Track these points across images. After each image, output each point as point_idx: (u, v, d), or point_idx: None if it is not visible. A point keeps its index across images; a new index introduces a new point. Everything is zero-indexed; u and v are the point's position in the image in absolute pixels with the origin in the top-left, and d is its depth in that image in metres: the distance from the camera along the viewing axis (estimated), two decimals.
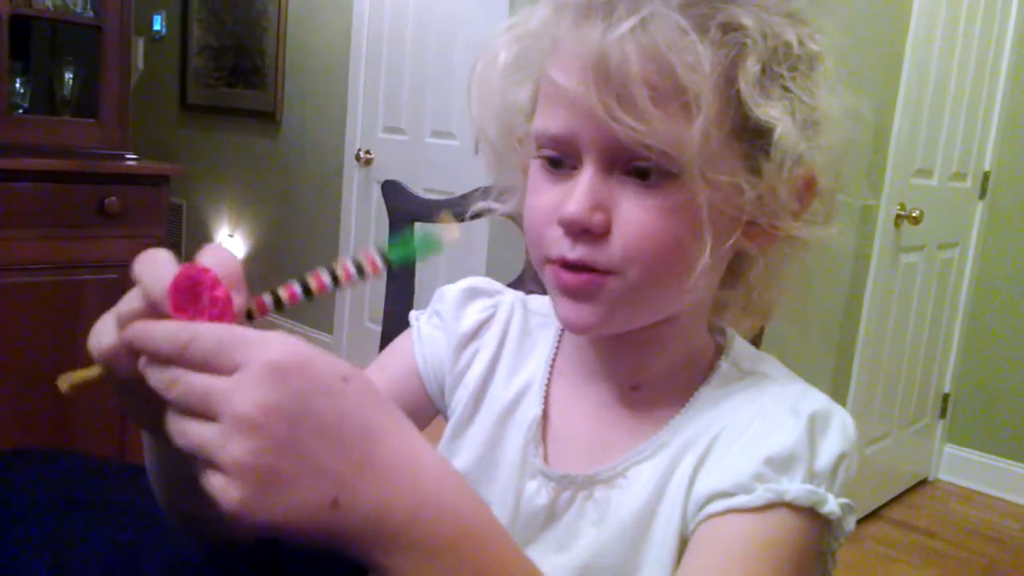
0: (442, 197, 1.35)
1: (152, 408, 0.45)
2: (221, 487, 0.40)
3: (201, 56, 4.44)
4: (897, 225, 2.58)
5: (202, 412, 0.41)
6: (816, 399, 0.60)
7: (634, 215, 0.55)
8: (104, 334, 0.45)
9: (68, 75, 2.36)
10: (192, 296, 0.44)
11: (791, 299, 0.66)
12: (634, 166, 0.55)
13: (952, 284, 3.07)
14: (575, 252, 0.56)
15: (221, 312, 0.44)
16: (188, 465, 0.50)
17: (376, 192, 3.63)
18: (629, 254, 0.55)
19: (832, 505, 0.55)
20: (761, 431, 0.58)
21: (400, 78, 3.49)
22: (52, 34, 2.42)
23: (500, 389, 0.71)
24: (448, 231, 0.49)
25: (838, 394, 2.45)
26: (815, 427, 0.58)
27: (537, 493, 0.65)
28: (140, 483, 0.86)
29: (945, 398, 3.21)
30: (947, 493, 3.13)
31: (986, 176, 3.06)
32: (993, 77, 2.95)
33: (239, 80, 4.23)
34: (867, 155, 2.50)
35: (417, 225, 1.26)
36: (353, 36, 3.65)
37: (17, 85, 2.24)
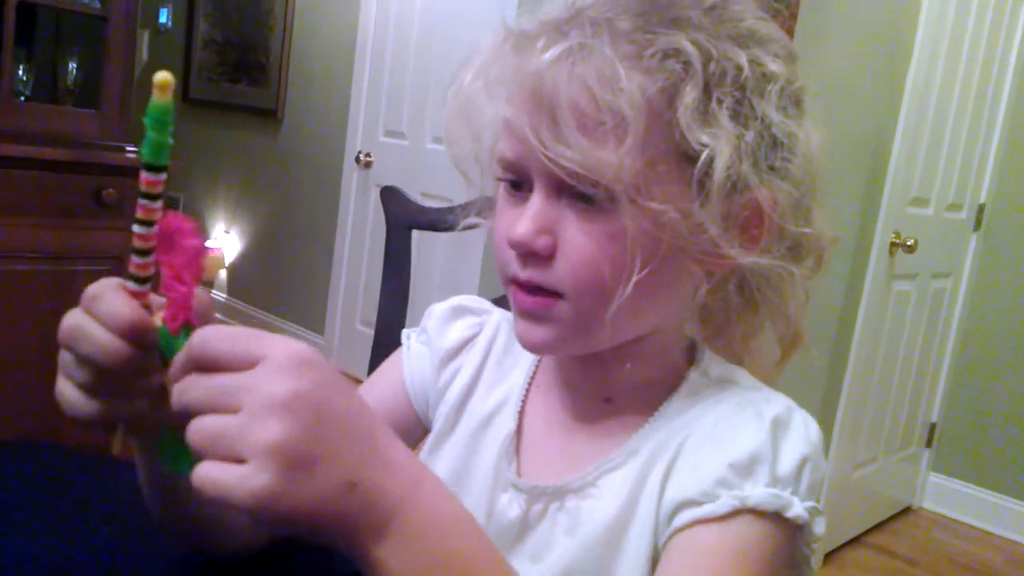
0: (440, 204, 1.36)
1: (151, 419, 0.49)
2: (244, 476, 0.41)
3: (206, 51, 4.43)
4: (891, 253, 2.58)
5: (223, 406, 0.42)
6: (778, 403, 0.60)
7: (577, 240, 0.56)
8: (99, 338, 0.47)
9: (71, 64, 2.36)
10: (171, 242, 0.47)
11: (783, 325, 0.65)
12: (576, 192, 0.56)
13: (944, 314, 3.08)
14: (525, 273, 0.58)
15: (189, 261, 0.47)
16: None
17: (375, 195, 3.63)
18: (573, 279, 0.56)
19: (798, 509, 0.55)
20: (724, 436, 0.58)
21: (403, 82, 3.50)
22: (57, 23, 2.42)
23: (479, 403, 0.72)
24: (156, 83, 0.46)
25: (826, 418, 2.45)
26: (777, 430, 0.58)
27: (509, 505, 0.66)
28: (127, 476, 0.86)
29: (932, 427, 3.21)
30: (931, 522, 3.13)
31: (981, 208, 3.07)
32: (993, 110, 2.97)
33: (242, 76, 4.23)
34: (863, 181, 2.52)
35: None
36: (358, 38, 3.66)
37: (20, 72, 2.24)
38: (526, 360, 0.72)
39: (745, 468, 0.56)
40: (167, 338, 0.48)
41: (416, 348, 0.77)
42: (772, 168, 0.57)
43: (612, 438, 0.64)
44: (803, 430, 0.59)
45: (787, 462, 0.56)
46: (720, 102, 0.54)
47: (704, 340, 0.67)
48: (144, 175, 0.47)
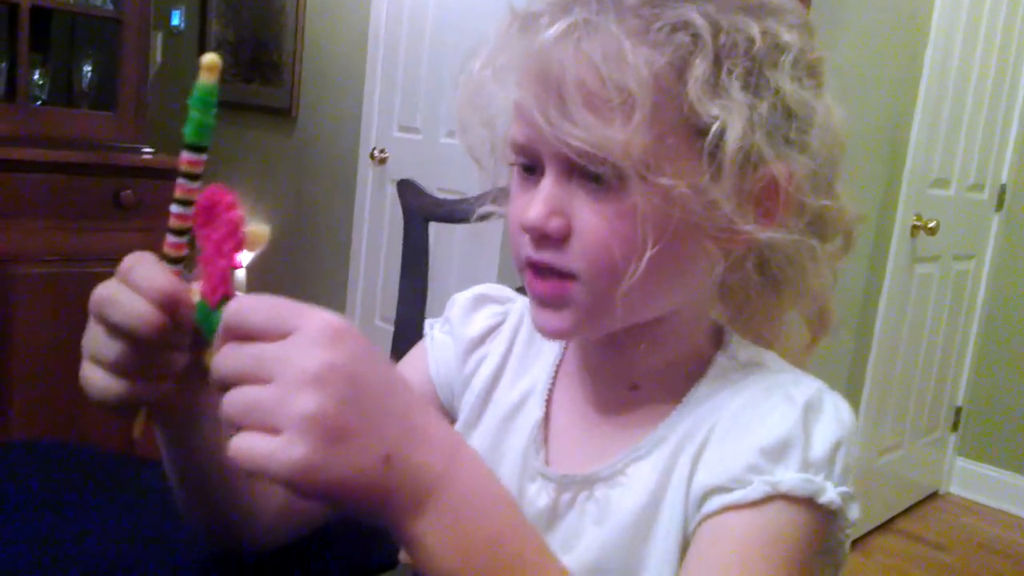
0: (454, 197, 1.35)
1: (185, 397, 0.51)
2: (279, 447, 0.40)
3: (219, 51, 4.40)
4: (913, 235, 2.56)
5: (256, 377, 0.42)
6: (809, 385, 0.59)
7: (589, 220, 0.55)
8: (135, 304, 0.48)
9: (86, 67, 2.37)
10: (211, 215, 0.47)
11: (808, 305, 0.64)
12: (587, 172, 0.55)
13: (967, 296, 3.05)
14: (538, 255, 0.57)
15: (229, 233, 0.47)
16: (212, 458, 0.51)
17: (390, 191, 3.63)
18: (587, 260, 0.56)
19: (831, 494, 0.54)
20: (754, 421, 0.57)
21: (417, 77, 3.49)
22: (72, 26, 2.43)
23: (505, 393, 0.71)
24: (203, 64, 0.47)
25: (850, 403, 2.42)
26: (808, 414, 0.56)
27: (538, 495, 0.65)
28: (145, 475, 0.86)
29: (958, 411, 3.18)
30: (958, 507, 3.10)
31: (1003, 188, 3.03)
32: (1013, 88, 2.93)
33: (256, 76, 4.23)
34: (883, 163, 2.49)
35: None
36: (371, 33, 3.65)
37: (36, 76, 2.25)
38: (551, 348, 0.71)
39: (776, 453, 0.54)
40: (206, 313, 0.48)
41: (440, 338, 0.76)
42: (788, 140, 0.55)
43: (640, 426, 0.63)
44: (835, 413, 0.57)
45: (820, 446, 0.55)
46: (731, 74, 0.53)
47: (727, 322, 0.66)
48: (185, 155, 0.48)
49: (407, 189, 1.30)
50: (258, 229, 0.48)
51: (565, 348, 0.70)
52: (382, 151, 3.63)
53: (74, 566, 0.69)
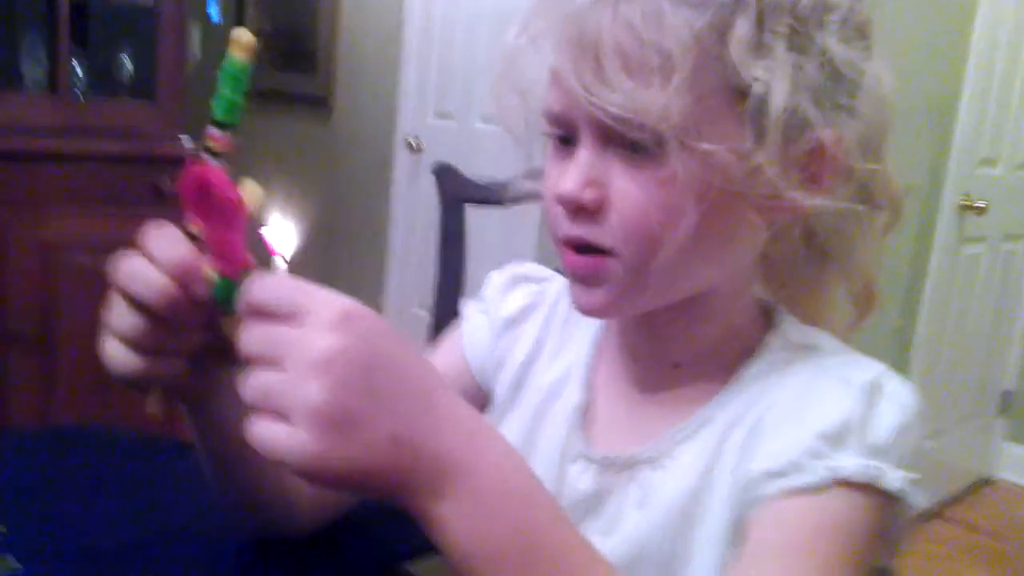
0: (488, 182, 1.34)
1: (202, 375, 0.52)
2: (289, 436, 0.40)
3: (256, 44, 4.47)
4: (960, 216, 2.50)
5: (271, 360, 0.42)
6: (870, 367, 0.57)
7: (626, 190, 0.53)
8: (152, 280, 0.48)
9: (125, 59, 2.39)
10: (204, 198, 0.47)
11: (856, 280, 0.62)
12: (624, 140, 0.53)
13: (1016, 277, 2.97)
14: (574, 230, 0.55)
15: (233, 211, 0.47)
16: (235, 435, 0.51)
17: (425, 179, 3.62)
18: (625, 232, 0.54)
19: (893, 480, 0.52)
20: (812, 404, 0.55)
21: (451, 63, 3.48)
22: (110, 18, 2.45)
23: (542, 374, 0.69)
24: (239, 41, 0.46)
25: None
26: (870, 397, 0.54)
27: (580, 477, 0.63)
28: (185, 461, 0.86)
29: (1006, 395, 3.11)
30: (1010, 493, 3.03)
31: None
32: None
33: (292, 65, 4.25)
34: (929, 141, 2.43)
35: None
36: (405, 19, 3.65)
37: (76, 68, 2.27)
38: (589, 327, 0.69)
39: (835, 437, 0.52)
40: (227, 286, 0.48)
41: (476, 318, 0.75)
42: (835, 103, 0.53)
43: (684, 406, 0.61)
44: (898, 395, 0.55)
45: (881, 430, 0.53)
46: (775, 34, 0.51)
47: (772, 296, 0.64)
48: (212, 131, 0.47)
49: (444, 173, 1.29)
50: (251, 188, 0.48)
51: (603, 327, 0.69)
52: (417, 139, 3.63)
53: (112, 550, 0.69)
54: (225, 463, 0.63)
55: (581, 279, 0.57)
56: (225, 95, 0.47)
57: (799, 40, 0.51)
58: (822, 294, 0.63)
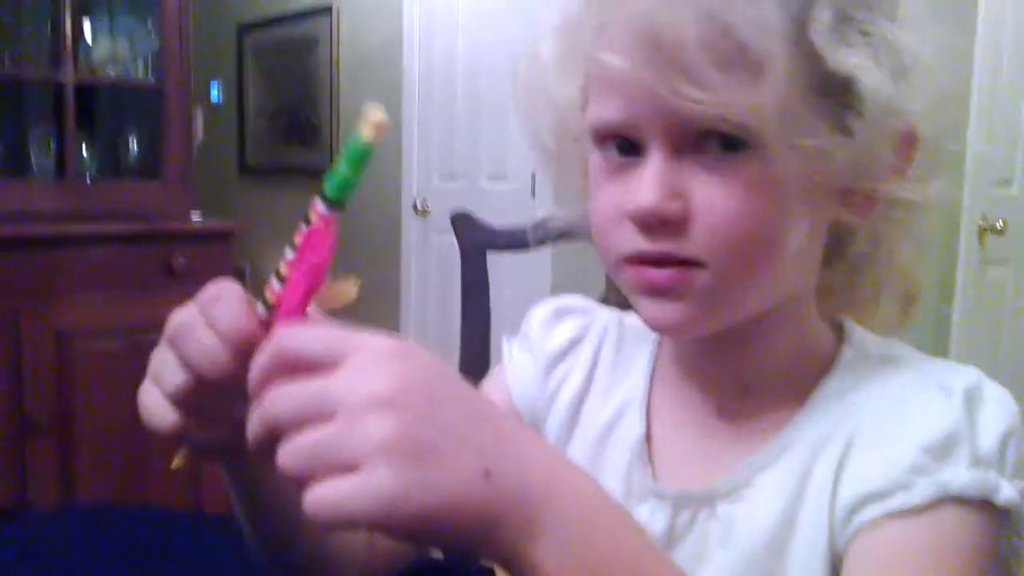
0: (508, 228, 1.31)
1: (231, 438, 0.44)
2: (360, 483, 0.35)
3: (258, 119, 4.53)
4: (981, 238, 2.46)
5: (316, 415, 0.37)
6: (966, 373, 0.52)
7: (715, 199, 0.49)
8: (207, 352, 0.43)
9: (131, 140, 2.40)
10: (300, 259, 0.43)
11: (907, 280, 0.58)
12: (707, 144, 0.49)
13: None
14: (656, 246, 0.50)
15: (309, 278, 0.43)
16: (283, 494, 0.45)
17: (435, 242, 3.62)
18: (716, 242, 0.49)
19: (1008, 492, 0.47)
20: (909, 416, 0.50)
21: (453, 126, 3.50)
22: (115, 101, 2.47)
23: (596, 409, 0.65)
24: (368, 119, 0.42)
25: None
26: (971, 404, 0.50)
27: (652, 516, 0.58)
28: (212, 535, 0.82)
29: None
30: None
31: None
32: None
33: (295, 139, 4.30)
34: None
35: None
36: (404, 86, 3.68)
37: (84, 152, 2.28)
38: (642, 357, 0.65)
39: (942, 450, 0.48)
40: None
41: (519, 356, 0.70)
42: (914, 90, 0.50)
43: (759, 432, 0.56)
44: (1000, 400, 0.50)
45: (988, 438, 0.48)
46: (852, 21, 0.48)
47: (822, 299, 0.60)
48: (319, 207, 0.43)
49: (462, 222, 1.27)
50: (345, 285, 0.44)
51: (657, 355, 0.65)
52: (424, 201, 3.63)
53: None
54: (268, 528, 0.58)
55: (661, 293, 0.52)
56: (341, 172, 0.43)
57: (874, 26, 0.49)
58: (877, 292, 0.60)
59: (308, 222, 0.43)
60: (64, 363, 1.99)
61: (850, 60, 0.47)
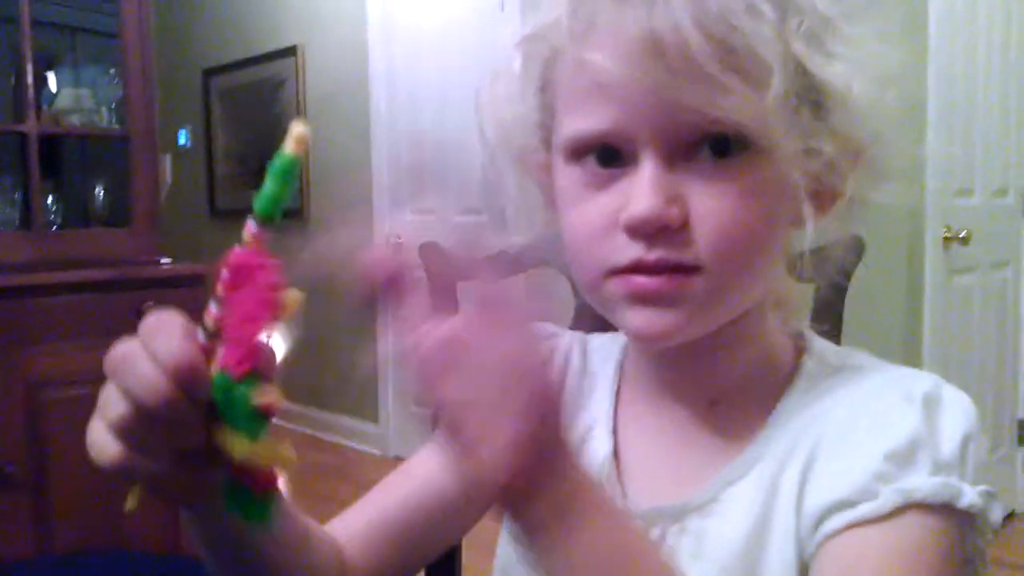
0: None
1: (194, 477, 0.45)
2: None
3: (227, 163, 4.53)
4: (946, 247, 2.50)
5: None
6: (924, 378, 0.53)
7: (712, 203, 0.49)
8: (148, 382, 0.42)
9: (98, 187, 2.39)
10: (243, 278, 0.43)
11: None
12: (699, 150, 0.49)
13: (1010, 303, 2.96)
14: (653, 254, 0.50)
15: (265, 298, 0.43)
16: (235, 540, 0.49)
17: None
18: (716, 246, 0.49)
19: (970, 496, 0.48)
20: (871, 425, 0.51)
21: (423, 158, 3.52)
22: (81, 149, 2.47)
23: None
24: (292, 133, 0.43)
25: None
26: (931, 409, 0.50)
27: None
28: (189, 574, 0.81)
29: (1021, 424, 3.06)
30: None
31: None
32: (1021, 90, 2.90)
33: (262, 182, 4.29)
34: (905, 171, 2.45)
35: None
36: (372, 123, 3.70)
37: (49, 201, 2.27)
38: (606, 377, 0.65)
39: (904, 457, 0.48)
40: (227, 386, 0.42)
41: None
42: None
43: (729, 445, 0.57)
44: (958, 404, 0.51)
45: (948, 443, 0.49)
46: (826, 29, 0.50)
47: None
48: (250, 225, 0.43)
49: (428, 252, 1.26)
50: (291, 295, 0.44)
51: (622, 372, 0.65)
52: (398, 237, 3.64)
53: None
54: (233, 567, 0.57)
55: (653, 301, 0.51)
56: (269, 189, 0.43)
57: (843, 35, 0.51)
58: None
59: (242, 243, 0.43)
60: (35, 412, 1.96)
61: (836, 69, 0.49)
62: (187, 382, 0.41)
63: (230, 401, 0.42)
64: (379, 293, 0.44)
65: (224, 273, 0.43)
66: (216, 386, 0.42)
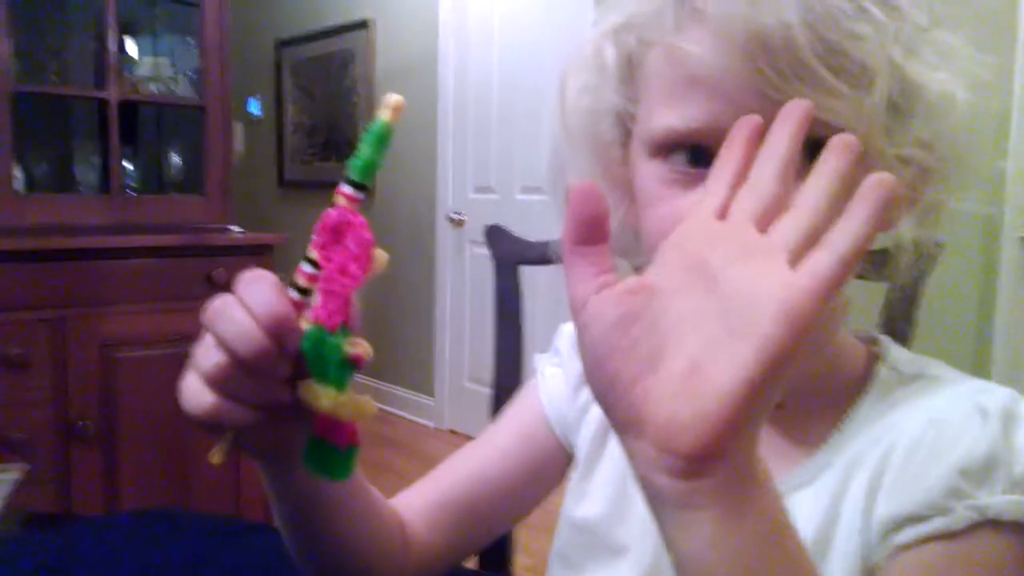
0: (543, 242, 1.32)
1: (277, 433, 0.47)
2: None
3: (295, 135, 4.59)
4: (1023, 251, 2.42)
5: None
6: (1002, 393, 0.52)
7: None
8: (243, 336, 0.43)
9: (173, 154, 2.45)
10: (338, 236, 0.45)
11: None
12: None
13: None
14: None
15: (358, 254, 0.44)
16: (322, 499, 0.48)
17: (469, 253, 3.64)
18: None
19: None
20: (946, 438, 0.50)
21: (487, 138, 3.53)
22: (158, 117, 2.53)
23: None
24: (387, 102, 0.45)
25: None
26: (1008, 425, 0.49)
27: None
28: (252, 539, 0.84)
29: None
30: None
31: None
32: None
33: (332, 154, 4.35)
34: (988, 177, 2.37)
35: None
36: (439, 100, 3.72)
37: (127, 166, 2.33)
38: None
39: (980, 473, 0.48)
40: (319, 339, 0.44)
41: (551, 372, 0.72)
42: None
43: (795, 449, 0.56)
44: None
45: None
46: (922, 36, 0.50)
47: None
48: (345, 188, 0.45)
49: (496, 235, 1.28)
50: (380, 254, 0.46)
51: None
52: (459, 213, 3.66)
53: None
54: (304, 529, 0.58)
55: None
56: (364, 154, 0.45)
57: (938, 41, 0.50)
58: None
59: (334, 207, 0.45)
60: (108, 372, 2.03)
61: (937, 76, 0.49)
62: (280, 333, 0.43)
63: (321, 352, 0.44)
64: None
65: (318, 234, 0.45)
66: (308, 338, 0.44)
